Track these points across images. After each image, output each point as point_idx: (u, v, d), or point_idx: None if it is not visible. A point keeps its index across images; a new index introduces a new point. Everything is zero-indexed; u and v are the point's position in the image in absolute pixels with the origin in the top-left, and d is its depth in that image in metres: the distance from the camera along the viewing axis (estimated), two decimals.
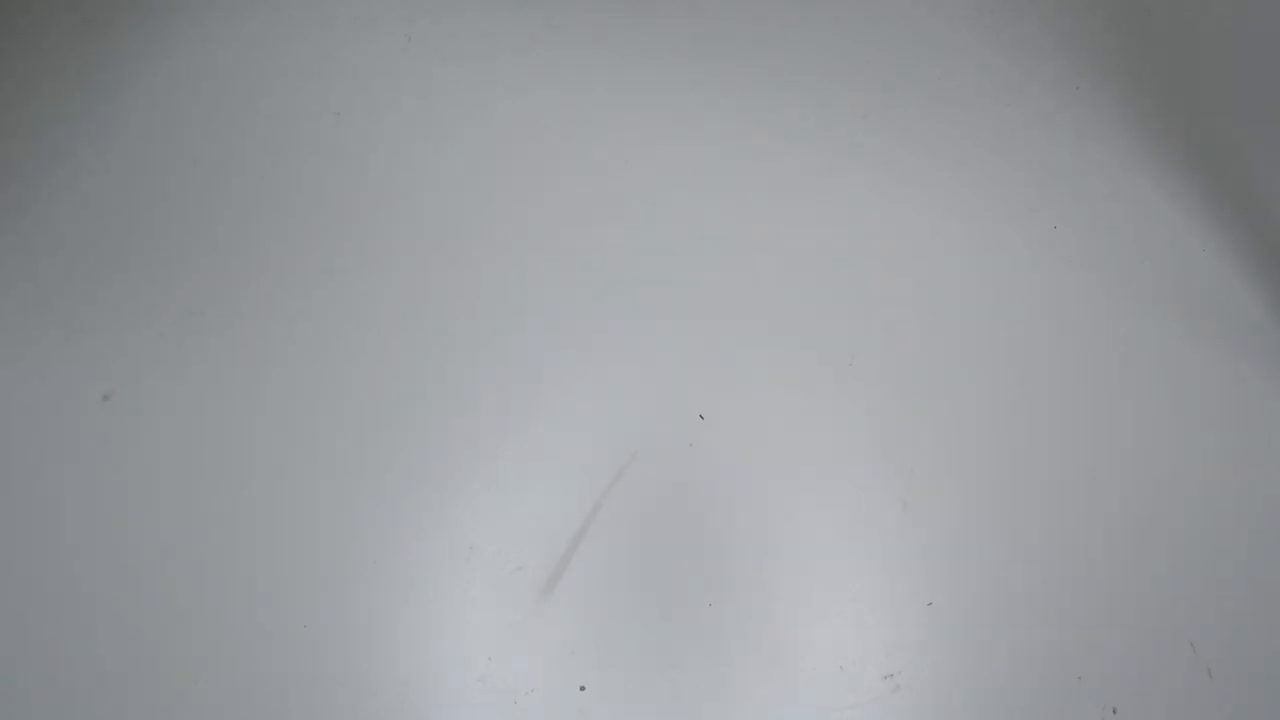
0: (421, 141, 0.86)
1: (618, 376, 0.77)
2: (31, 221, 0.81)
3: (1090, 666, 0.70)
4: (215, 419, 0.74)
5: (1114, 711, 0.68)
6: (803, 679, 0.69)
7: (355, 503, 0.72)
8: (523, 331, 0.79)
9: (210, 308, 0.78)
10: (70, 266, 0.79)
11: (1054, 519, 0.74)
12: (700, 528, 0.73)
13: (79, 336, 0.77)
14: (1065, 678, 0.69)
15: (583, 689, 0.68)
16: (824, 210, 0.84)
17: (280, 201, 0.83)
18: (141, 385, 0.75)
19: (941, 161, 0.87)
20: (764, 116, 0.88)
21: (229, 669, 0.67)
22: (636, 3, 0.93)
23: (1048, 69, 0.92)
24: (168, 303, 0.78)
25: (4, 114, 0.85)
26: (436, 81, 0.89)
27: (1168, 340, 0.81)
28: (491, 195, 0.84)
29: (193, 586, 0.69)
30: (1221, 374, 0.79)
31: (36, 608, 0.69)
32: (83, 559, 0.70)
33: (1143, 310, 0.82)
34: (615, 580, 0.71)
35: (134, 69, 0.88)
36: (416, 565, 0.71)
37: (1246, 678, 0.70)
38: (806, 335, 0.79)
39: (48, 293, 0.78)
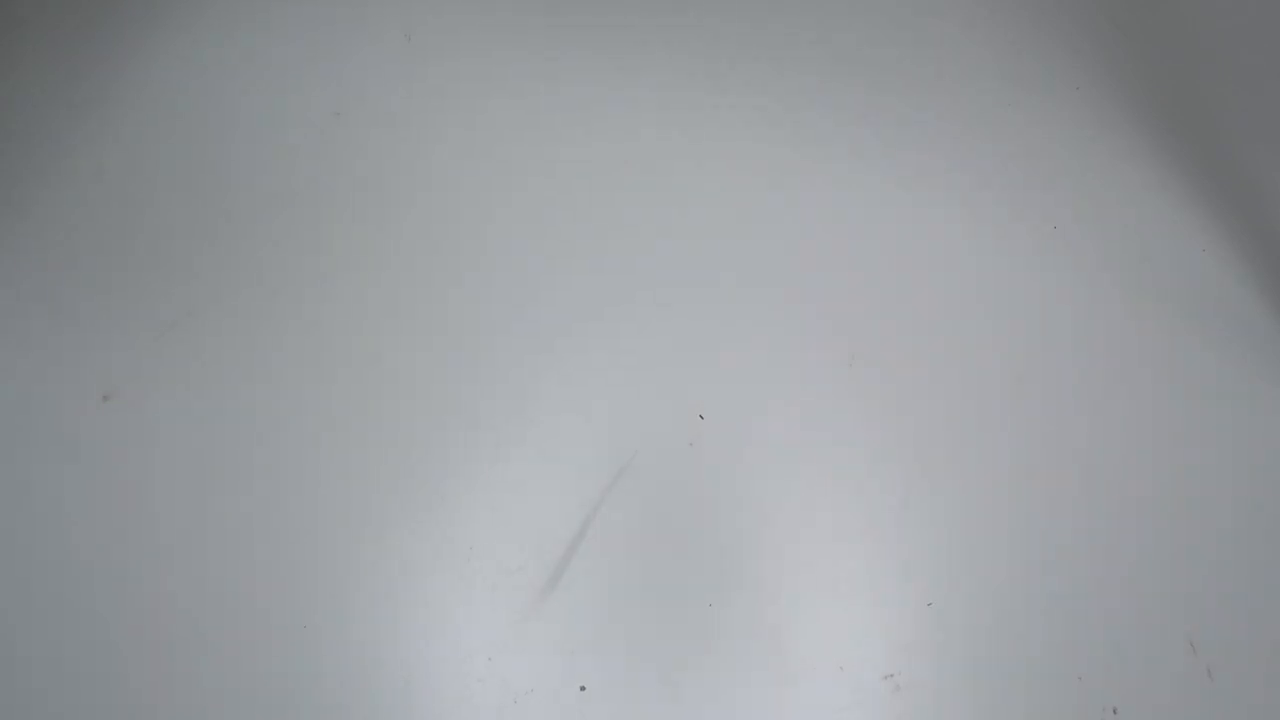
0: (421, 142, 0.86)
1: (617, 376, 0.77)
2: (31, 221, 0.81)
3: (1090, 666, 0.70)
4: (215, 419, 0.74)
5: (1114, 711, 0.68)
6: (803, 679, 0.69)
7: (355, 503, 0.72)
8: (522, 331, 0.79)
9: (210, 308, 0.78)
10: (70, 266, 0.79)
11: (1053, 519, 0.74)
12: (700, 528, 0.73)
13: (79, 336, 0.77)
14: (1065, 678, 0.69)
15: (583, 689, 0.68)
16: (824, 210, 0.84)
17: (279, 202, 0.83)
18: (141, 385, 0.75)
19: (941, 161, 0.87)
20: (764, 117, 0.88)
21: (229, 669, 0.67)
22: (637, 2, 0.93)
23: (1048, 69, 0.92)
24: (168, 303, 0.78)
25: (3, 114, 0.85)
26: (436, 81, 0.89)
27: (1167, 341, 0.81)
28: (491, 195, 0.84)
29: (193, 586, 0.69)
30: (1221, 374, 0.79)
31: (36, 608, 0.69)
32: (82, 559, 0.70)
33: (1143, 310, 0.82)
34: (615, 580, 0.71)
35: (132, 69, 0.88)
36: (417, 566, 0.71)
37: (1246, 678, 0.70)
38: (806, 335, 0.79)
39: (48, 293, 0.78)
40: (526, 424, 0.76)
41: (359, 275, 0.80)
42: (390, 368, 0.77)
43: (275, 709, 0.67)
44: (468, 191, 0.84)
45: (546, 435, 0.75)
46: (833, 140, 0.87)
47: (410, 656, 0.68)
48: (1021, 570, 0.72)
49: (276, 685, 0.67)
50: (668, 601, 0.71)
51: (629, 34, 0.92)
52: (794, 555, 0.72)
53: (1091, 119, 0.90)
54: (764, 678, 0.69)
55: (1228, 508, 0.75)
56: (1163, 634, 0.71)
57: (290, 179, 0.84)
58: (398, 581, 0.70)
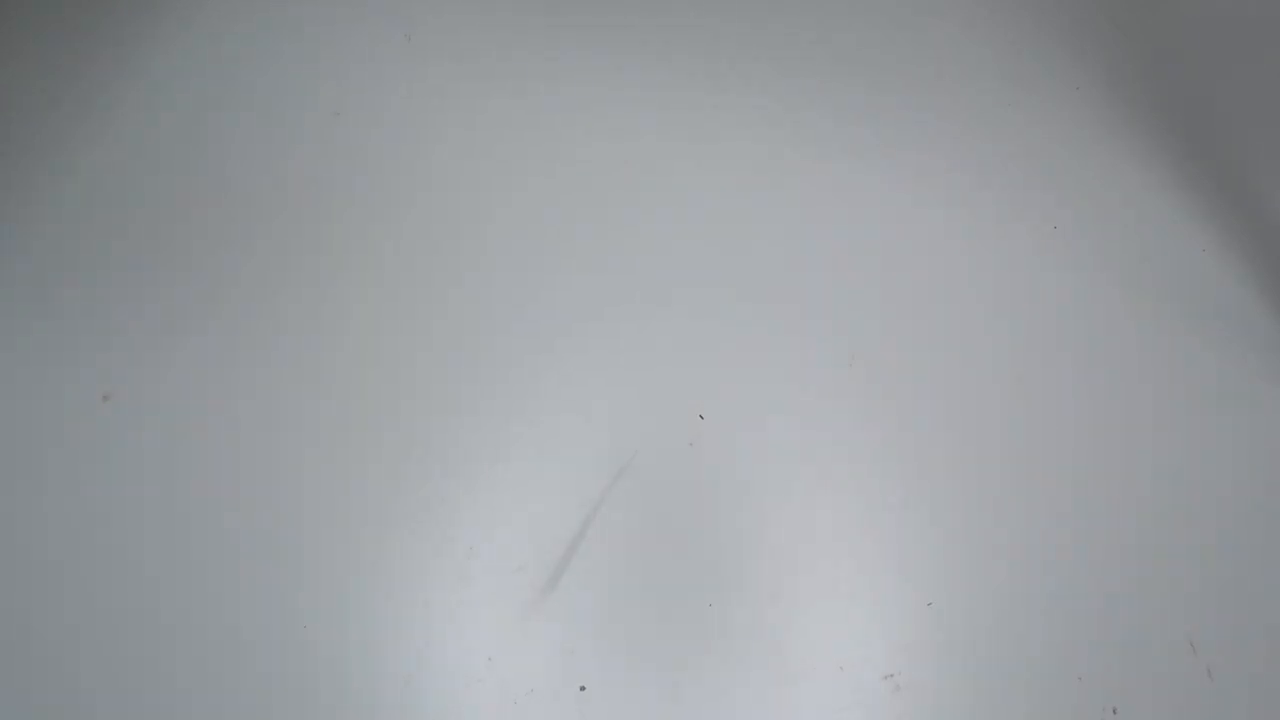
0: (420, 141, 0.86)
1: (618, 376, 0.77)
2: (31, 221, 0.81)
3: (1090, 666, 0.70)
4: (215, 419, 0.74)
5: (1114, 711, 0.68)
6: (803, 679, 0.69)
7: (355, 503, 0.72)
8: (522, 331, 0.79)
9: (209, 308, 0.78)
10: (70, 266, 0.79)
11: (1054, 518, 0.74)
12: (700, 528, 0.73)
13: (79, 336, 0.77)
14: (1065, 678, 0.69)
15: (583, 689, 0.68)
16: (824, 210, 0.84)
17: (279, 201, 0.83)
18: (141, 385, 0.75)
19: (941, 161, 0.87)
20: (764, 116, 0.88)
21: (229, 669, 0.67)
22: (637, 2, 0.93)
23: (1048, 69, 0.92)
24: (167, 303, 0.78)
25: (3, 114, 0.85)
26: (436, 81, 0.89)
27: (1167, 341, 0.81)
28: (491, 195, 0.84)
29: (193, 586, 0.69)
30: (1221, 374, 0.79)
31: (36, 607, 0.69)
32: (82, 559, 0.70)
33: (1142, 310, 0.82)
34: (615, 580, 0.71)
35: (132, 68, 0.88)
36: (417, 566, 0.71)
37: (1246, 678, 0.70)
38: (806, 335, 0.79)
39: (48, 293, 0.78)
40: (526, 424, 0.76)
41: (359, 275, 0.80)
42: (390, 368, 0.77)
43: (275, 709, 0.67)
44: (468, 191, 0.84)
45: (546, 435, 0.75)
46: (833, 140, 0.87)
47: (410, 656, 0.68)
48: (1021, 570, 0.72)
49: (276, 685, 0.67)
50: (668, 601, 0.71)
51: (629, 34, 0.92)
52: (794, 555, 0.72)
53: (1091, 119, 0.90)
54: (764, 678, 0.69)
55: (1228, 508, 0.75)
56: (1163, 634, 0.71)
57: (290, 179, 0.84)
58: (398, 581, 0.70)
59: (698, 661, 0.69)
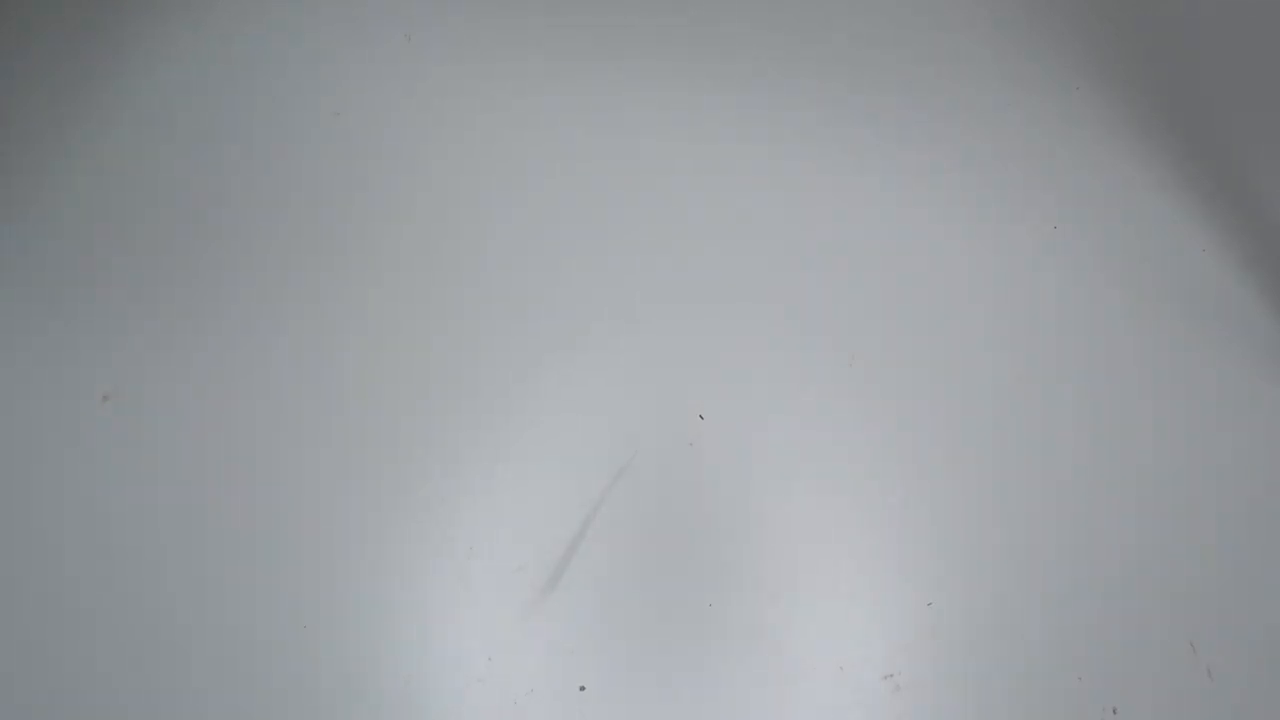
0: (420, 142, 0.86)
1: (618, 376, 0.77)
2: (31, 221, 0.81)
3: (1090, 666, 0.70)
4: (215, 419, 0.74)
5: (1114, 711, 0.68)
6: (803, 679, 0.69)
7: (355, 503, 0.72)
8: (522, 331, 0.79)
9: (209, 308, 0.78)
10: (70, 266, 0.79)
11: (1054, 518, 0.74)
12: (700, 528, 0.73)
13: (79, 336, 0.77)
14: (1065, 678, 0.69)
15: (583, 689, 0.68)
16: (824, 210, 0.84)
17: (279, 202, 0.83)
18: (141, 385, 0.75)
19: (941, 161, 0.87)
20: (765, 117, 0.88)
21: (229, 669, 0.67)
22: (637, 2, 0.93)
23: (1048, 69, 0.92)
24: (167, 303, 0.78)
25: (3, 114, 0.85)
26: (436, 81, 0.89)
27: (1167, 341, 0.81)
28: (491, 195, 0.84)
29: (193, 587, 0.69)
30: (1221, 374, 0.79)
31: (36, 608, 0.69)
32: (83, 559, 0.70)
33: (1142, 310, 0.82)
34: (615, 580, 0.71)
35: (133, 68, 0.88)
36: (417, 566, 0.71)
37: (1246, 678, 0.70)
38: (806, 335, 0.79)
39: (48, 292, 0.78)
40: (526, 424, 0.76)
41: (359, 275, 0.80)
42: (390, 368, 0.77)
43: (275, 709, 0.67)
44: (467, 191, 0.84)
45: (546, 435, 0.75)
46: (832, 140, 0.87)
47: (410, 656, 0.68)
48: (1021, 570, 0.72)
49: (276, 685, 0.67)
50: (668, 601, 0.71)
51: (629, 34, 0.92)
52: (794, 555, 0.72)
53: (1091, 119, 0.90)
54: (764, 678, 0.69)
55: (1228, 508, 0.75)
56: (1163, 634, 0.71)
57: (289, 179, 0.84)
58: (397, 581, 0.70)
59: (698, 661, 0.69)
